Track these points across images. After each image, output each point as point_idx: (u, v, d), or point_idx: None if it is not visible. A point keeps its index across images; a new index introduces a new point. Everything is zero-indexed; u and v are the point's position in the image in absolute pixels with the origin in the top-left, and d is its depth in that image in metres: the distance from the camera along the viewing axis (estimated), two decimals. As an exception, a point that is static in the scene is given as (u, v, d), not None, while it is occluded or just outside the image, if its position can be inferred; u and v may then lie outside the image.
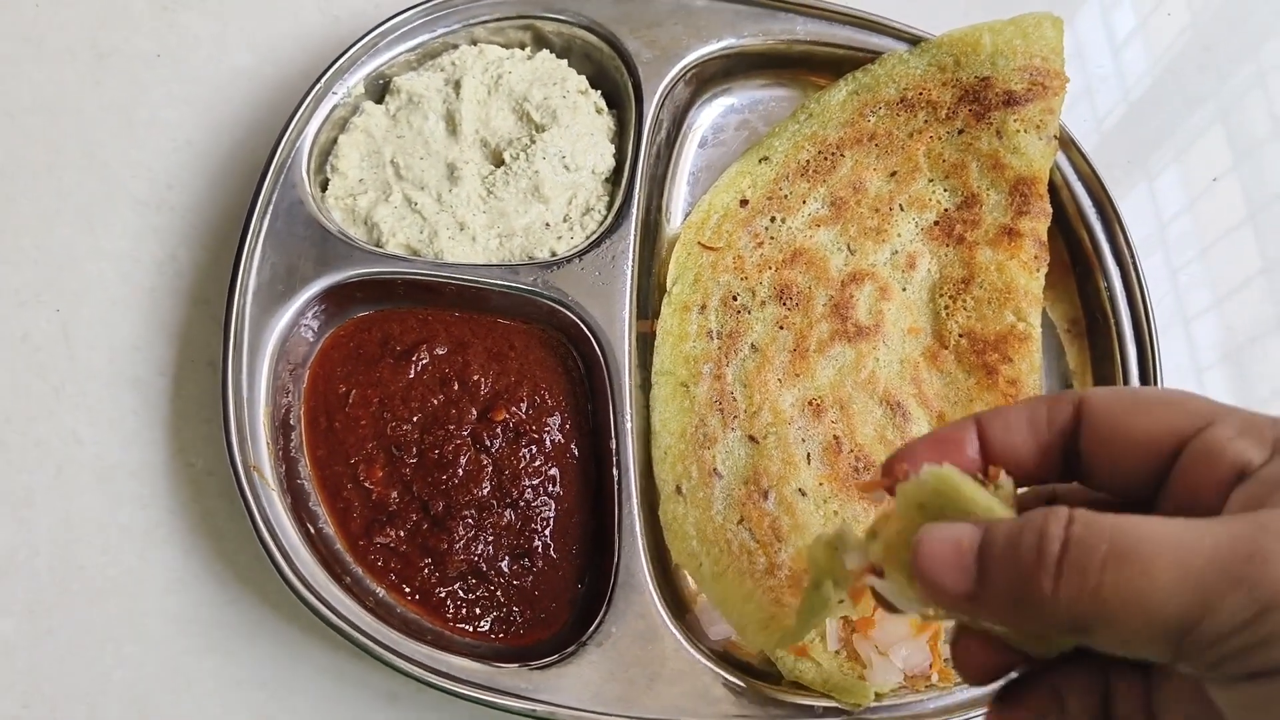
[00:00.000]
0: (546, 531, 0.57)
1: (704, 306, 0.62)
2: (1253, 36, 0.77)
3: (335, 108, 0.62)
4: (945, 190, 0.63)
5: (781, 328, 0.61)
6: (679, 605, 0.58)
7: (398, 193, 0.61)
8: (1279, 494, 0.28)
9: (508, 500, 0.57)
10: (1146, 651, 0.28)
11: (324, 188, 0.62)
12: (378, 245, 0.60)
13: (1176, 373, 0.66)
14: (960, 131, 0.63)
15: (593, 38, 0.65)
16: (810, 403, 0.60)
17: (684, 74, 0.65)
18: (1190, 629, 0.26)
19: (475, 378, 0.59)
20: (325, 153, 0.62)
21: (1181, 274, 0.71)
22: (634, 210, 0.61)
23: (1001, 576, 0.29)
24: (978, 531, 0.30)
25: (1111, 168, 0.70)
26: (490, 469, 0.58)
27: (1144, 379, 0.61)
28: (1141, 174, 0.73)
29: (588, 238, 0.62)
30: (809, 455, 0.59)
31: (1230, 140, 0.75)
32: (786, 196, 0.64)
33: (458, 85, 0.62)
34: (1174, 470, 0.31)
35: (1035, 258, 0.61)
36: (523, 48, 0.66)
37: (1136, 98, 0.76)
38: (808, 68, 0.68)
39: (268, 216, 0.59)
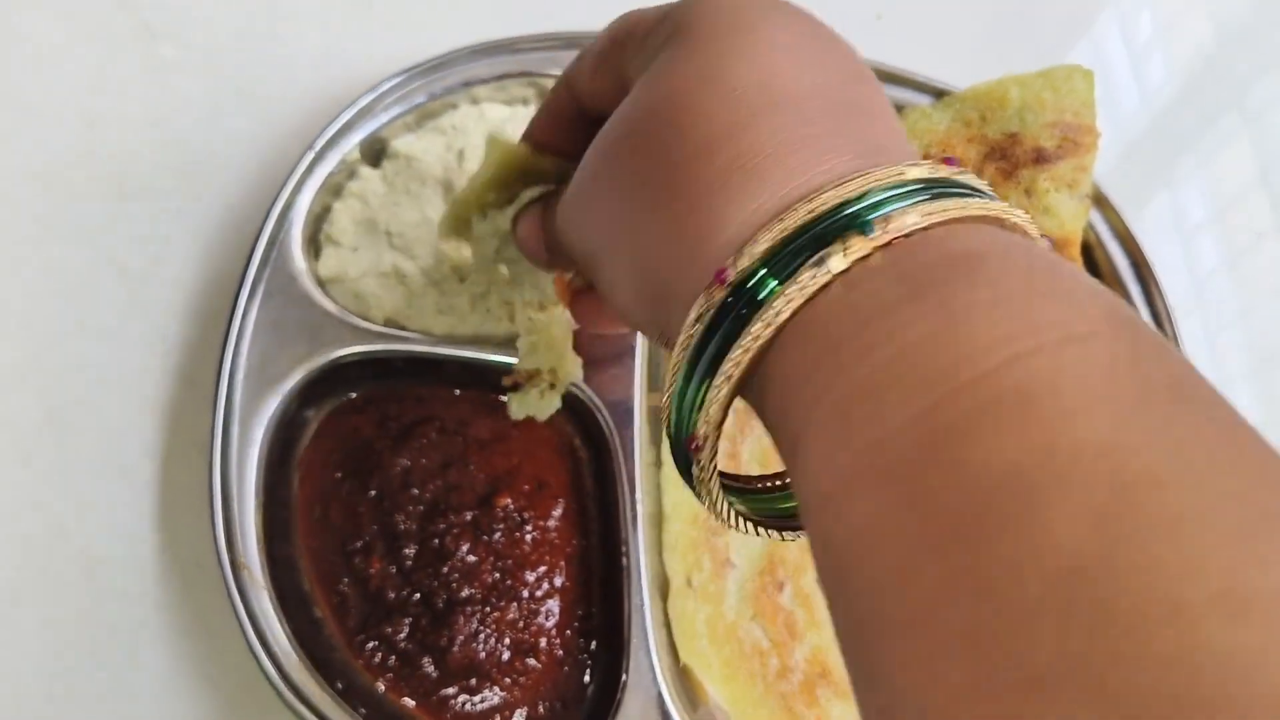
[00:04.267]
0: (552, 625, 0.54)
1: (717, 378, 0.59)
2: (1275, 44, 0.74)
3: (331, 174, 0.59)
4: (972, 253, 0.60)
5: (799, 398, 0.58)
6: (692, 700, 0.55)
7: (388, 262, 0.58)
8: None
9: (511, 593, 0.54)
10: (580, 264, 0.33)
11: (318, 257, 0.59)
12: (364, 317, 0.57)
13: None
14: (987, 191, 0.60)
15: (598, 94, 0.62)
16: (830, 482, 0.57)
17: (694, 131, 0.62)
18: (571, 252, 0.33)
19: (476, 460, 0.56)
20: (319, 221, 0.60)
21: (1206, 285, 0.68)
22: (642, 279, 0.58)
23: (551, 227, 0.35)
24: (536, 217, 0.38)
25: (1130, 181, 0.68)
26: (493, 559, 0.55)
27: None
28: (1163, 185, 0.71)
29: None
30: (829, 540, 0.56)
31: (1254, 151, 0.73)
32: (804, 260, 0.61)
33: (460, 154, 0.59)
34: None
35: (1069, 326, 0.58)
36: (525, 104, 0.64)
37: (1157, 109, 0.73)
38: (825, 121, 0.65)
39: (259, 294, 0.56)
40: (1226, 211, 0.71)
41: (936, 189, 0.23)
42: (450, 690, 0.53)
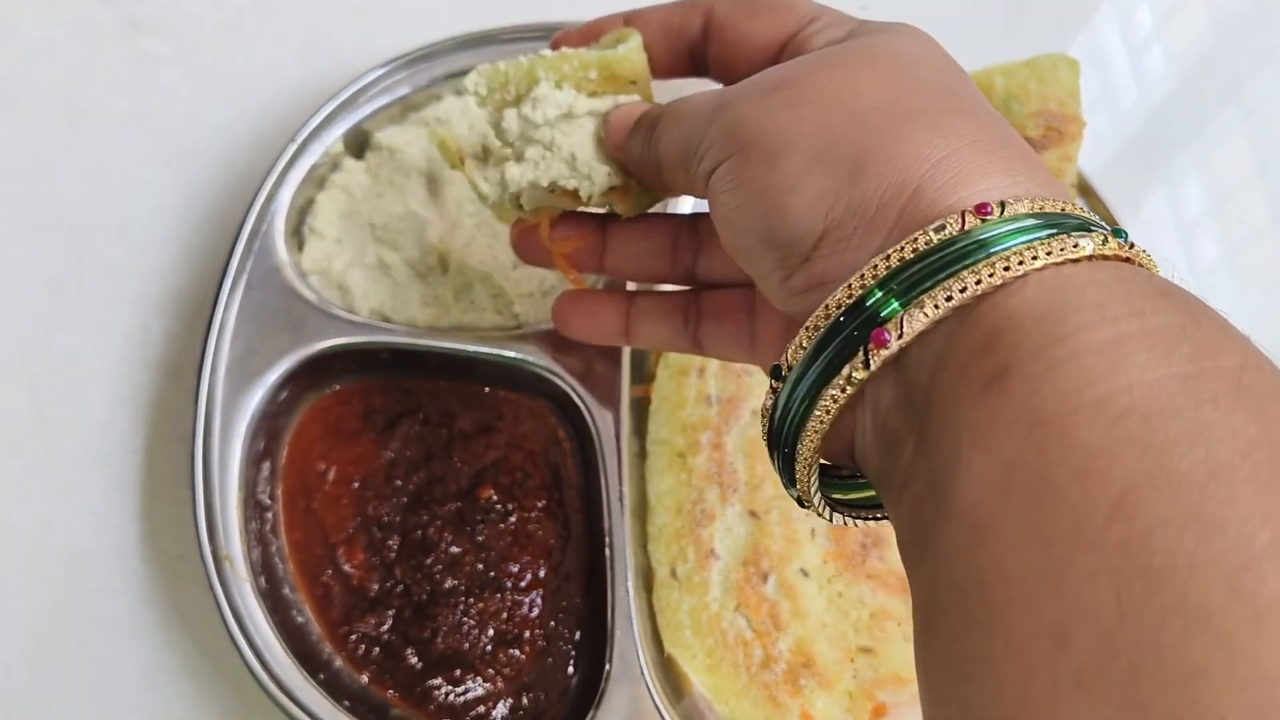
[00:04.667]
0: (535, 616, 0.54)
1: (703, 370, 0.59)
2: (1273, 38, 0.74)
3: (315, 166, 0.59)
4: (957, 243, 0.60)
5: (785, 390, 0.58)
6: (676, 690, 0.55)
7: (372, 254, 0.58)
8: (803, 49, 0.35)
9: (495, 584, 0.54)
10: (682, 181, 0.35)
11: (302, 249, 0.59)
12: (350, 309, 0.57)
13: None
14: (972, 181, 0.60)
15: (583, 86, 0.62)
16: (815, 473, 0.56)
17: (679, 122, 0.62)
18: (688, 156, 0.34)
19: (461, 452, 0.56)
20: (303, 213, 0.60)
21: (1204, 280, 0.68)
22: (627, 270, 0.58)
23: (639, 133, 0.38)
24: (644, 108, 0.39)
25: (1129, 175, 0.69)
26: (476, 550, 0.55)
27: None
28: (1161, 179, 0.70)
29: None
30: (813, 530, 0.56)
31: (1252, 145, 0.73)
32: (789, 251, 0.61)
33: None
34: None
35: (1054, 316, 0.57)
36: (512, 95, 0.63)
37: (1156, 103, 0.73)
38: (811, 112, 0.64)
39: (241, 286, 0.56)
40: (1224, 206, 0.71)
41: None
42: (434, 682, 0.53)
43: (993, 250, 0.25)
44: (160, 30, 0.67)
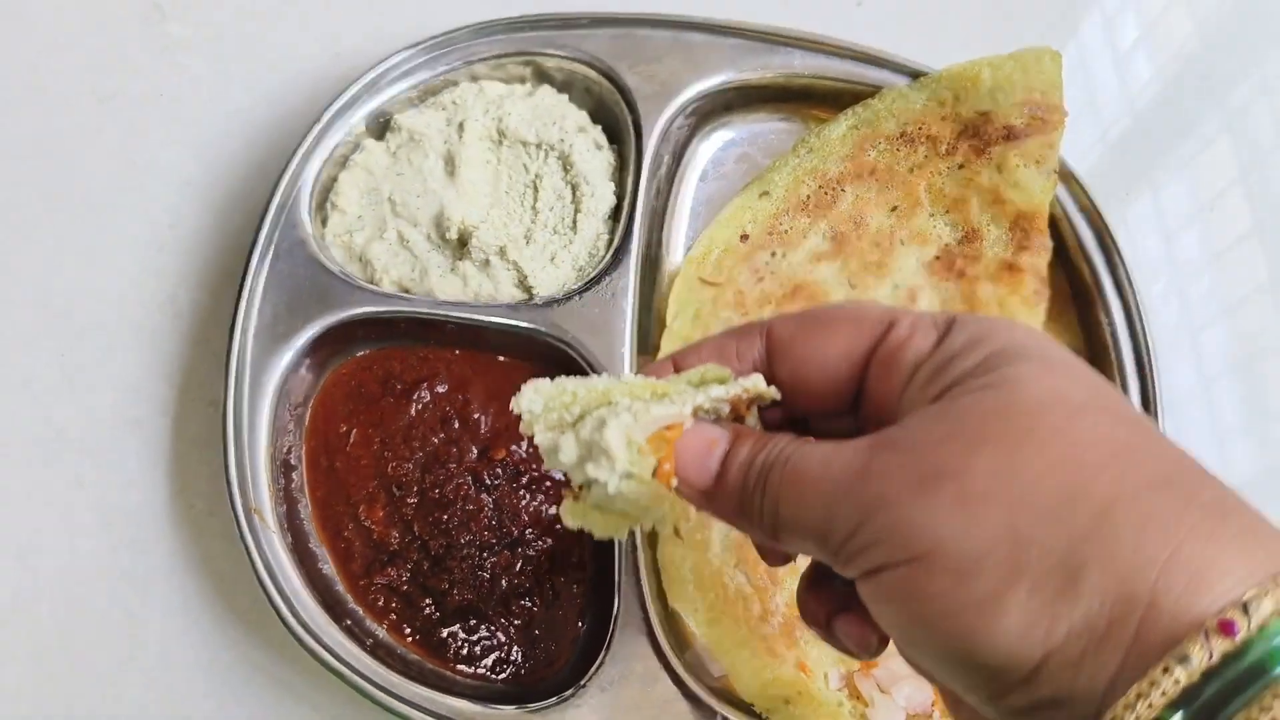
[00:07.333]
0: (547, 570, 0.57)
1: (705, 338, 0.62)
2: (1256, 46, 0.77)
3: (337, 146, 0.62)
4: (946, 225, 0.63)
5: (782, 363, 0.61)
6: (680, 642, 0.58)
7: (392, 229, 0.61)
8: (925, 392, 0.31)
9: (508, 539, 0.57)
10: (811, 552, 0.32)
11: (325, 224, 0.62)
12: (372, 282, 0.60)
13: (1184, 388, 0.66)
14: (960, 166, 0.63)
15: (592, 73, 0.65)
16: (811, 439, 0.60)
17: (684, 109, 0.65)
18: (825, 537, 0.30)
19: (475, 416, 0.59)
20: (326, 190, 0.63)
21: (1189, 286, 0.71)
22: (634, 246, 0.61)
23: (734, 483, 0.33)
24: (728, 437, 0.33)
25: (1115, 180, 0.71)
26: (490, 508, 0.58)
27: (1145, 407, 0.61)
28: (1146, 184, 0.73)
29: (587, 274, 0.62)
30: (810, 493, 0.59)
31: (1235, 150, 0.75)
32: (787, 231, 0.64)
33: (461, 128, 0.62)
34: (867, 381, 0.33)
35: (1035, 292, 0.61)
36: (523, 83, 0.67)
37: (1141, 108, 0.75)
38: (808, 101, 0.68)
39: (269, 257, 0.59)
40: (1209, 210, 0.74)
41: None
42: (449, 630, 0.56)
43: (1271, 676, 0.24)
44: (184, 16, 0.69)
